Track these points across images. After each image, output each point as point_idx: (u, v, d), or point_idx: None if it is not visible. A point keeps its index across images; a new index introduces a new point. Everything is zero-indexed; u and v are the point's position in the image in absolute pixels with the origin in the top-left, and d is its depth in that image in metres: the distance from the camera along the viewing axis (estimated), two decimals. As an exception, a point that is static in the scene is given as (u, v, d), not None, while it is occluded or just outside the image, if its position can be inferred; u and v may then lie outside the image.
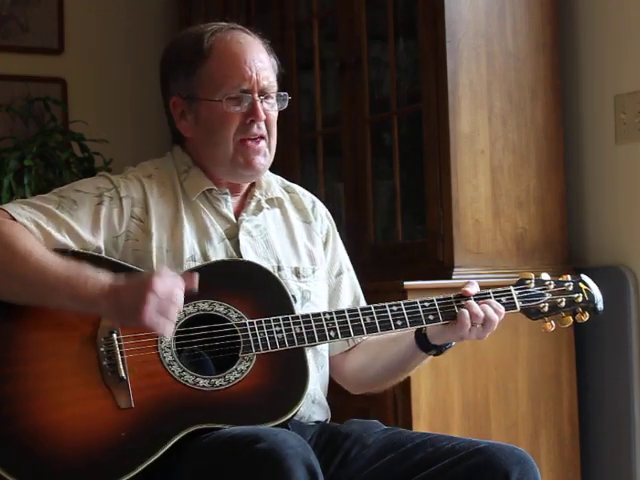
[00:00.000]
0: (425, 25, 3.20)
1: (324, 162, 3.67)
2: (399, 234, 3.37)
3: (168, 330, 1.91)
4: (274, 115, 2.17)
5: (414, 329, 2.11)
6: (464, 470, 1.95)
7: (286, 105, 2.19)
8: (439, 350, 2.13)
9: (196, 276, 1.95)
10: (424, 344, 2.11)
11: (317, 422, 2.16)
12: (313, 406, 2.14)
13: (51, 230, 2.01)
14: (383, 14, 3.44)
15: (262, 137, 2.13)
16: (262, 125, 2.13)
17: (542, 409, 3.22)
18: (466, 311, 2.05)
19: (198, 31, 2.17)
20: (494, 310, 2.07)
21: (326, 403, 2.20)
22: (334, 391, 2.24)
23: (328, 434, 2.13)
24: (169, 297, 1.89)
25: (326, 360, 2.21)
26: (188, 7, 4.53)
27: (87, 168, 4.15)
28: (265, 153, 2.14)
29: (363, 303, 2.29)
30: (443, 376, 2.99)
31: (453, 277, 3.08)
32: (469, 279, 3.04)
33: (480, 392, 3.10)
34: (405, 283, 2.98)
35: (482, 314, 2.05)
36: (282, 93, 2.17)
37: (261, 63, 2.14)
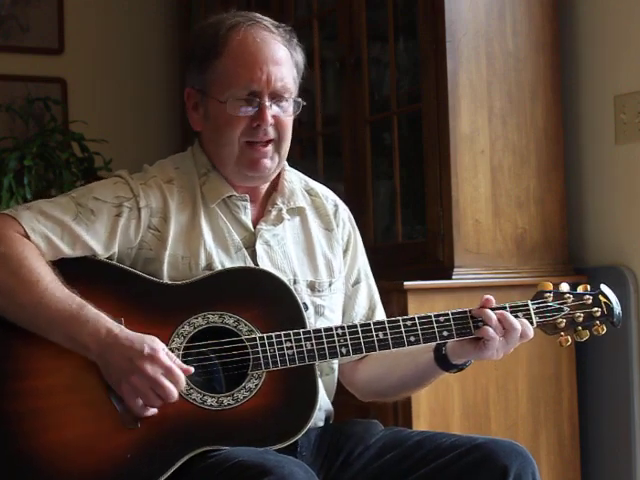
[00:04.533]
0: (425, 25, 3.20)
1: (324, 162, 3.67)
2: (399, 234, 3.37)
3: (145, 414, 1.86)
4: (287, 120, 2.07)
5: (432, 345, 2.06)
6: (463, 466, 1.96)
7: (299, 111, 2.09)
8: (460, 368, 2.09)
9: (192, 370, 1.89)
10: (444, 364, 2.07)
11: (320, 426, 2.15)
12: (319, 413, 2.12)
13: (63, 247, 1.96)
14: (383, 14, 3.44)
15: (270, 141, 2.06)
16: (270, 130, 2.05)
17: (542, 409, 3.22)
18: (489, 328, 1.98)
19: (216, 23, 2.09)
20: (510, 327, 1.99)
21: (331, 406, 2.18)
22: (336, 391, 2.23)
23: (330, 436, 2.12)
24: (154, 386, 1.85)
25: (334, 367, 2.18)
26: (188, 7, 4.53)
27: (87, 168, 4.15)
28: (272, 156, 2.07)
29: (379, 311, 2.25)
30: (443, 376, 2.98)
31: (453, 277, 3.08)
32: (469, 279, 3.08)
33: (480, 392, 3.10)
34: (405, 283, 2.98)
35: (500, 326, 1.98)
36: (297, 99, 2.08)
37: (276, 65, 2.05)
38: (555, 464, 3.22)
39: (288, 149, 2.11)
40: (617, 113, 3.30)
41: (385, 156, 3.48)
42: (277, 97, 2.05)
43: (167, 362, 1.86)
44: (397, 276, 3.06)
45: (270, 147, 2.07)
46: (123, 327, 1.89)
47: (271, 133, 2.06)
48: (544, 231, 3.28)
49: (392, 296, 2.94)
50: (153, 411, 1.88)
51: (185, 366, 1.89)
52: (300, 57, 2.12)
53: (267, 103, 2.04)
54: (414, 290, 3.00)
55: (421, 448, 2.02)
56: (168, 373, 1.86)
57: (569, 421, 3.26)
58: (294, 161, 3.65)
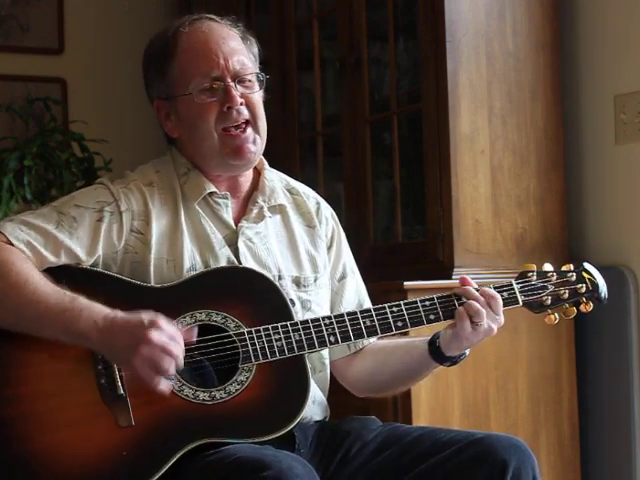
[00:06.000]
0: (425, 25, 3.20)
1: (324, 162, 3.67)
2: (399, 234, 3.37)
3: (161, 385, 1.86)
4: (255, 97, 2.09)
5: (426, 338, 2.08)
6: (463, 461, 1.96)
7: (264, 85, 2.12)
8: (454, 361, 2.10)
9: (195, 330, 1.92)
10: (438, 356, 2.08)
11: (317, 422, 2.15)
12: (314, 407, 2.13)
13: (47, 254, 1.97)
14: (383, 14, 3.44)
15: (247, 122, 2.07)
16: (243, 110, 2.07)
17: (542, 409, 3.22)
18: (462, 308, 2.02)
19: (163, 31, 2.13)
20: (489, 297, 2.04)
21: (326, 402, 2.19)
22: (334, 390, 2.23)
23: (328, 433, 2.12)
24: (163, 350, 1.85)
25: (326, 363, 2.19)
26: (188, 8, 4.53)
27: (87, 168, 4.15)
28: (254, 139, 2.08)
29: (367, 305, 2.25)
30: (443, 376, 2.99)
31: (453, 277, 3.08)
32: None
33: (480, 392, 3.10)
34: (405, 283, 2.98)
35: (484, 310, 2.02)
36: (259, 73, 2.11)
37: (230, 47, 2.08)
38: (555, 464, 3.23)
39: (266, 129, 2.12)
40: (617, 113, 3.30)
41: (385, 156, 3.48)
42: (239, 77, 2.08)
43: (171, 330, 1.87)
44: (397, 276, 3.06)
45: (249, 130, 2.08)
46: (117, 310, 1.90)
47: (245, 113, 2.07)
48: (544, 231, 3.28)
49: (392, 296, 2.92)
50: (169, 384, 1.87)
51: (187, 331, 1.91)
52: (251, 39, 2.15)
53: (231, 84, 2.06)
54: (414, 290, 2.99)
55: (420, 444, 2.03)
56: (172, 337, 1.86)
57: (569, 421, 3.26)
58: (294, 161, 3.68)
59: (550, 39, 3.33)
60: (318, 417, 2.15)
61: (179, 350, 1.87)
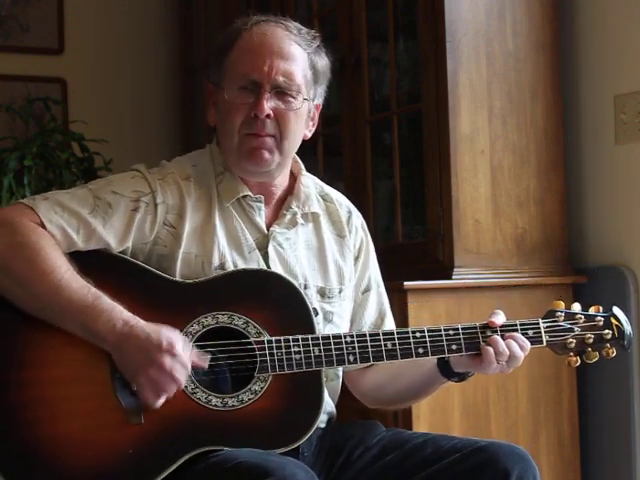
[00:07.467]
0: (425, 25, 3.20)
1: (324, 162, 3.67)
2: (399, 234, 3.37)
3: (156, 404, 1.87)
4: (289, 114, 2.04)
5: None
6: (465, 469, 1.96)
7: (311, 114, 2.10)
8: (461, 377, 2.09)
9: (207, 358, 1.91)
10: (446, 371, 2.07)
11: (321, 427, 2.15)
12: (322, 415, 2.11)
13: (78, 240, 1.95)
14: (383, 14, 3.44)
15: (270, 136, 2.03)
16: (269, 123, 2.02)
17: (542, 409, 3.21)
18: (491, 349, 1.99)
19: (237, 24, 2.10)
20: (520, 346, 2.01)
21: (335, 410, 2.19)
22: (338, 395, 2.22)
23: (331, 436, 2.12)
24: (171, 376, 1.86)
25: (339, 374, 2.18)
26: (188, 7, 4.53)
27: (87, 168, 4.15)
28: (271, 149, 2.03)
29: (389, 319, 2.25)
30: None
31: (453, 277, 3.08)
32: (469, 279, 3.08)
33: (480, 392, 3.10)
34: (405, 283, 2.98)
35: (507, 352, 1.99)
36: (307, 99, 2.06)
37: (283, 59, 2.03)
38: (555, 464, 3.22)
39: (292, 149, 2.09)
40: (617, 113, 3.30)
41: (385, 156, 3.48)
42: (280, 91, 2.04)
43: (185, 358, 1.87)
44: (397, 276, 3.05)
45: (270, 139, 2.03)
46: (139, 319, 1.89)
47: (270, 128, 2.03)
48: (544, 231, 3.28)
49: (392, 296, 2.91)
50: (161, 402, 1.88)
51: (201, 358, 1.90)
52: (322, 63, 2.10)
53: (266, 94, 2.02)
54: (414, 290, 3.00)
55: (422, 450, 2.02)
56: (183, 365, 1.87)
57: (569, 421, 3.26)
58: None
59: (550, 39, 3.33)
60: (323, 424, 2.15)
61: (185, 376, 1.87)
